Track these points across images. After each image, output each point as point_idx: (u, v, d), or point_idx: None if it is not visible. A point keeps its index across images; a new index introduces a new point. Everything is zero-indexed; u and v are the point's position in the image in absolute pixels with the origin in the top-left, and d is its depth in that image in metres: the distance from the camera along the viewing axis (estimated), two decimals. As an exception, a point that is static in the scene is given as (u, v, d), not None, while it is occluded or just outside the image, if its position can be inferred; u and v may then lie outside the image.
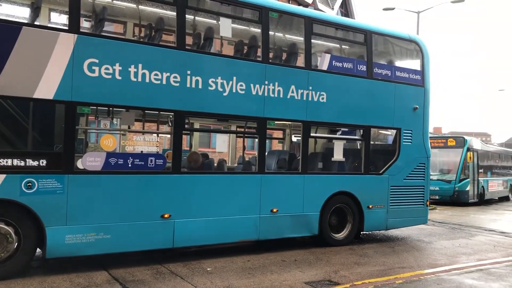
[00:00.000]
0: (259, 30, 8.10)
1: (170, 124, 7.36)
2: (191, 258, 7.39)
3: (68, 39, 6.20)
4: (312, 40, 8.66)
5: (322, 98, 8.50)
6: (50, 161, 6.12)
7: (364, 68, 9.10)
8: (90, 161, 6.39)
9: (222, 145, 8.39)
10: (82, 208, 6.27)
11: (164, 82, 6.90)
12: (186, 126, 7.65)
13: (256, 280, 6.31)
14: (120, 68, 6.55)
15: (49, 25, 7.11)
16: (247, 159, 9.34)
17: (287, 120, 8.98)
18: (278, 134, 11.04)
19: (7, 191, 5.78)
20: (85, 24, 7.29)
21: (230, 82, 7.51)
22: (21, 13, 7.12)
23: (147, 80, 6.76)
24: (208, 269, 6.81)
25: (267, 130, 8.28)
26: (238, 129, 9.57)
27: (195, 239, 7.27)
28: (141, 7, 7.91)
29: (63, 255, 6.23)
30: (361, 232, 9.52)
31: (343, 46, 10.03)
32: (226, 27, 7.86)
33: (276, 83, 7.98)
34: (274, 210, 7.97)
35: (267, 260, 7.54)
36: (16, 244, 5.93)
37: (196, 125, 8.90)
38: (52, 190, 6.06)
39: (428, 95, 10.02)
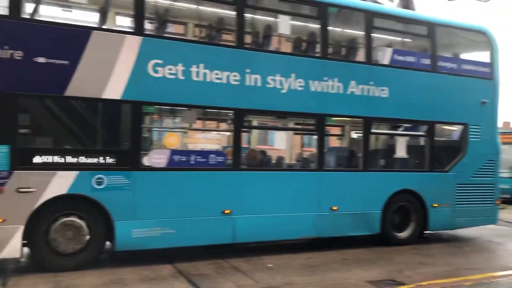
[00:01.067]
0: (318, 26, 8.03)
1: (230, 122, 7.48)
2: (252, 254, 7.46)
3: (134, 41, 6.47)
4: (373, 34, 8.47)
5: (384, 93, 8.29)
6: (118, 158, 6.41)
7: (428, 61, 8.78)
8: (155, 158, 6.64)
9: (280, 142, 8.42)
10: (148, 203, 6.52)
11: (224, 81, 7.02)
12: (245, 123, 7.74)
13: (318, 278, 6.27)
14: (183, 68, 6.74)
15: (116, 28, 7.44)
16: (306, 156, 9.30)
17: (347, 116, 8.83)
18: (337, 130, 10.87)
19: (79, 187, 6.12)
20: (148, 26, 7.56)
21: (289, 79, 7.51)
22: (91, 18, 7.51)
23: (208, 79, 6.91)
24: (269, 265, 6.85)
25: (326, 127, 8.21)
26: (296, 126, 9.55)
27: (255, 235, 7.35)
28: (201, 7, 8.09)
29: (130, 248, 6.51)
30: (425, 232, 9.18)
31: (405, 40, 9.72)
32: (284, 24, 7.86)
33: (336, 79, 7.88)
34: (334, 208, 7.89)
35: (328, 258, 7.47)
36: (88, 237, 6.27)
37: (255, 123, 8.97)
38: (120, 186, 6.35)
39: (497, 89, 9.48)
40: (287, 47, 8.97)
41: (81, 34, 6.24)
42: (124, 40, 6.43)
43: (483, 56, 9.65)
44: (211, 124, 8.53)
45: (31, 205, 5.87)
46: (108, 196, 6.26)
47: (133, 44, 6.45)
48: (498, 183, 9.61)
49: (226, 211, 7.04)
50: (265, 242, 7.91)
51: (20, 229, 5.81)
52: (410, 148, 9.00)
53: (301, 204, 7.64)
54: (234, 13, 7.27)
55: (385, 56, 8.54)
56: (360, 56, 8.74)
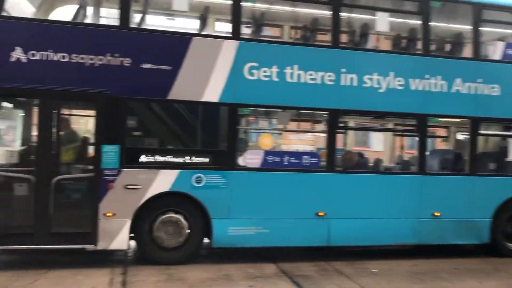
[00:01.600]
0: (419, 22, 7.64)
1: (325, 123, 7.40)
2: (353, 258, 7.28)
3: (231, 45, 6.67)
4: (482, 28, 7.83)
5: (495, 91, 7.63)
6: (216, 158, 6.67)
7: (548, 54, 7.90)
8: (250, 158, 6.79)
9: (378, 144, 8.14)
10: (243, 202, 6.68)
11: (318, 82, 6.96)
12: (340, 124, 7.59)
13: (427, 287, 5.98)
14: (277, 70, 6.81)
15: (214, 33, 7.74)
16: (405, 158, 8.88)
17: (451, 117, 8.24)
18: (441, 132, 10.22)
19: (180, 185, 6.46)
20: (245, 30, 7.76)
21: (387, 78, 7.23)
22: (191, 25, 7.91)
23: (302, 81, 6.91)
24: (373, 270, 6.65)
25: (429, 128, 7.78)
26: (395, 127, 9.16)
27: (350, 239, 7.16)
28: (296, 9, 8.12)
29: (226, 245, 6.71)
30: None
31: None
32: (383, 21, 7.57)
33: (439, 77, 7.43)
34: (436, 214, 7.41)
35: (437, 266, 7.06)
36: (188, 232, 6.56)
37: (351, 124, 8.76)
38: (217, 184, 6.57)
39: None
40: (385, 45, 8.64)
41: (182, 40, 6.59)
42: (221, 45, 6.67)
43: None
44: (305, 125, 8.51)
45: (137, 201, 6.32)
46: (206, 194, 6.52)
47: (230, 48, 6.66)
48: None
49: (320, 214, 6.96)
50: (367, 246, 7.69)
51: (128, 223, 6.28)
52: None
53: (399, 209, 7.30)
54: (329, 12, 7.18)
55: (496, 51, 7.86)
56: (467, 52, 8.14)
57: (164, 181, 6.40)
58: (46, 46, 6.05)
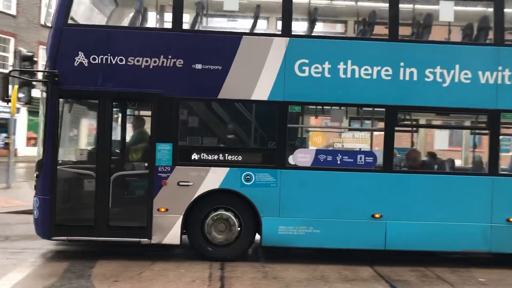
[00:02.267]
0: (490, 9, 7.01)
1: (381, 120, 7.05)
2: (457, 264, 6.90)
3: (281, 42, 6.63)
4: None
5: None
6: (265, 156, 6.69)
7: None
8: (301, 157, 6.68)
9: (442, 142, 7.58)
10: (293, 201, 6.59)
11: (374, 77, 6.68)
12: (399, 122, 7.18)
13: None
14: (329, 66, 6.64)
15: (264, 32, 7.72)
16: (475, 158, 8.15)
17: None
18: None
19: (230, 182, 6.54)
20: (296, 27, 7.63)
21: (452, 71, 6.72)
22: (241, 24, 7.96)
23: (357, 76, 6.66)
24: (481, 279, 6.26)
25: (503, 125, 7.08)
26: (463, 124, 8.45)
27: (409, 243, 6.73)
28: (350, 3, 7.85)
29: (276, 245, 6.68)
30: None
31: None
32: (447, 10, 7.06)
33: None
34: None
35: None
36: (238, 229, 6.62)
37: (411, 121, 8.22)
38: (267, 183, 6.55)
39: None
40: (452, 36, 8.01)
41: (232, 39, 6.68)
42: (271, 43, 6.65)
43: None
44: (361, 122, 8.16)
45: (189, 198, 6.51)
46: (256, 193, 6.53)
47: (280, 45, 6.61)
48: None
49: (376, 215, 6.65)
50: (471, 253, 7.20)
51: (180, 219, 6.49)
52: None
53: (466, 213, 6.73)
54: (386, 5, 6.85)
55: None
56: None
57: (214, 179, 6.53)
58: (104, 50, 6.46)
